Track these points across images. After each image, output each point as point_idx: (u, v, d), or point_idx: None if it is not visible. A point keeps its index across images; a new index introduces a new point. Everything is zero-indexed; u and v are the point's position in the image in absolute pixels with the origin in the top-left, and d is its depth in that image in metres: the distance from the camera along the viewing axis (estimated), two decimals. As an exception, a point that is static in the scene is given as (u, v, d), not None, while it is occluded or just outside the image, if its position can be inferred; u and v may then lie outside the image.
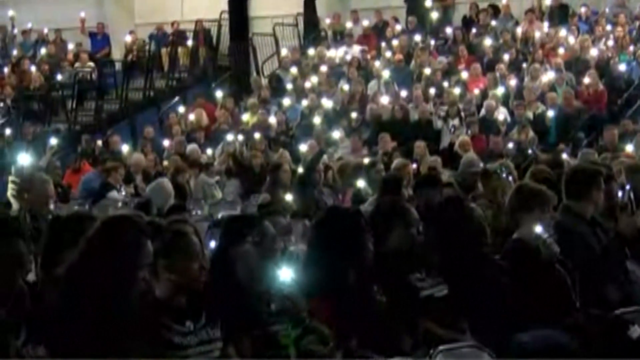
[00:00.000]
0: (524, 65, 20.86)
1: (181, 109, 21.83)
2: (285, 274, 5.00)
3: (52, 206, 7.31)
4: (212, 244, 5.92)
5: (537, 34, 21.67)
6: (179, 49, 24.84)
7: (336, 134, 17.01)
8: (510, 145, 16.72)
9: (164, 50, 24.94)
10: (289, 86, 22.18)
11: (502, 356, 5.47)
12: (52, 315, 4.39)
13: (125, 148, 18.65)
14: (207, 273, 5.12)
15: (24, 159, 5.04)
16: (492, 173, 10.07)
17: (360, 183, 12.15)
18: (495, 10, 23.61)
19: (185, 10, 26.05)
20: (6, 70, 24.48)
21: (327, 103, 20.20)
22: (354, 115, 19.77)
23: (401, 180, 10.04)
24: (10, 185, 5.01)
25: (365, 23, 24.29)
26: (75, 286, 4.47)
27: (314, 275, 5.65)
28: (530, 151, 16.15)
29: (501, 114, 18.50)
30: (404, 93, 20.46)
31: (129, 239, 4.52)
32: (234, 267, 5.32)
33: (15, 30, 26.04)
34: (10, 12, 25.58)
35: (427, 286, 6.30)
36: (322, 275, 5.59)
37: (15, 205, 5.03)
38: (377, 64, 22.18)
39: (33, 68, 24.06)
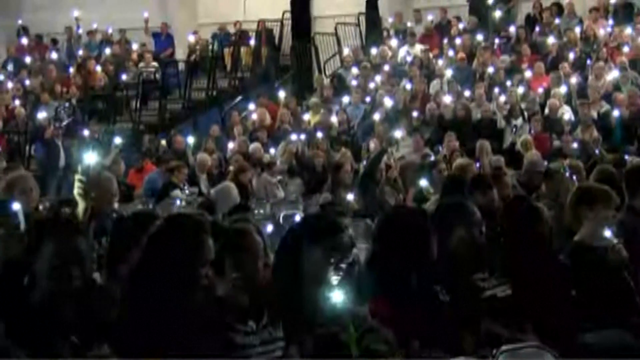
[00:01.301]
0: (588, 63, 20.65)
1: (244, 109, 21.91)
2: (338, 297, 4.96)
3: (116, 205, 7.39)
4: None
5: (602, 32, 21.45)
6: (242, 49, 24.93)
7: (398, 134, 16.97)
8: (575, 144, 16.56)
9: (226, 50, 25.06)
10: (351, 85, 22.19)
11: (566, 356, 5.43)
12: (116, 314, 4.44)
13: (189, 148, 18.79)
14: (271, 272, 5.14)
15: (90, 158, 5.07)
16: (555, 173, 10.00)
17: (423, 182, 12.12)
18: (559, 9, 23.39)
19: (248, 10, 26.15)
20: (72, 70, 24.77)
21: (388, 102, 20.17)
22: (415, 114, 19.72)
23: (464, 180, 9.99)
24: (76, 184, 5.05)
25: (428, 22, 24.22)
26: (138, 284, 4.51)
27: (377, 274, 5.63)
28: (595, 151, 15.98)
29: (566, 113, 18.33)
30: (466, 92, 20.37)
31: (190, 236, 4.55)
32: (302, 267, 5.30)
33: (81, 31, 26.32)
34: (76, 13, 25.86)
35: (490, 286, 6.27)
36: (385, 274, 5.58)
37: (81, 204, 5.08)
38: (439, 63, 22.10)
39: (98, 68, 24.32)
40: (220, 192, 11.48)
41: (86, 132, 20.58)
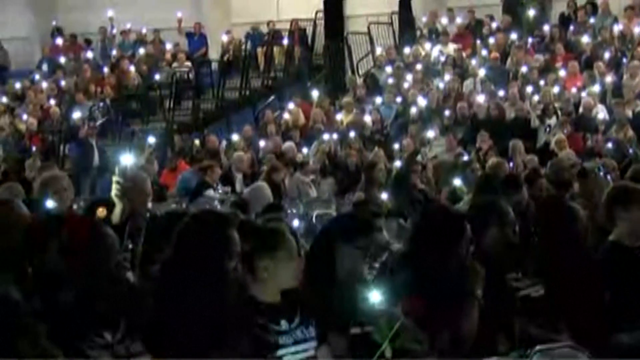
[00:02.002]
0: (624, 62, 20.51)
1: (277, 108, 21.94)
2: (376, 297, 4.95)
3: (149, 205, 7.42)
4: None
5: (637, 31, 21.30)
6: (275, 49, 24.96)
7: (431, 133, 16.95)
8: (609, 144, 16.46)
9: (259, 50, 25.10)
10: (384, 85, 22.17)
11: (600, 357, 5.40)
12: (149, 312, 4.46)
13: (222, 147, 18.85)
14: (304, 271, 5.14)
15: (127, 159, 5.10)
16: (589, 172, 9.94)
17: (456, 182, 12.10)
18: (593, 7, 23.25)
19: (281, 10, 26.18)
20: (106, 70, 24.90)
21: (422, 102, 20.14)
22: (448, 113, 19.68)
23: (497, 179, 9.95)
24: (114, 186, 5.08)
25: (461, 21, 24.14)
26: (169, 282, 4.54)
27: (411, 273, 5.63)
28: (630, 150, 15.88)
29: (600, 113, 18.22)
30: (500, 92, 20.29)
31: (215, 230, 4.61)
32: (336, 266, 5.29)
33: (115, 31, 26.45)
34: (110, 13, 25.99)
35: (524, 286, 6.25)
36: (420, 273, 5.56)
37: (118, 205, 5.11)
38: (472, 62, 22.03)
39: (132, 68, 24.43)
40: (253, 192, 11.47)
41: (120, 132, 20.71)
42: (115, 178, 5.15)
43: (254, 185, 12.39)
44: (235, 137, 19.49)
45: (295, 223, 9.07)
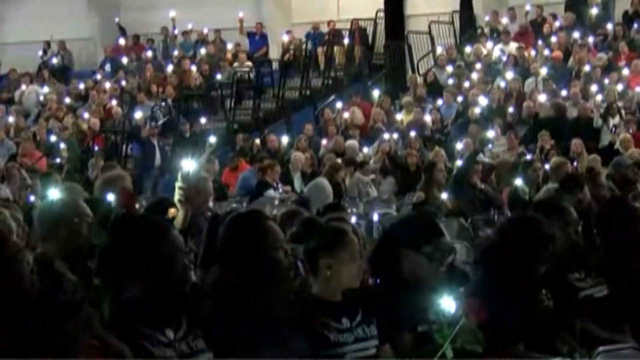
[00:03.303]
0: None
1: (337, 108, 21.94)
2: (448, 303, 4.93)
3: (210, 204, 7.48)
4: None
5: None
6: (335, 48, 24.97)
7: (491, 133, 16.86)
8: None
9: (320, 50, 25.11)
10: (445, 84, 22.09)
11: (665, 358, 5.34)
12: (210, 310, 4.49)
13: (282, 146, 18.91)
14: (367, 272, 5.14)
15: (189, 164, 5.13)
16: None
17: (518, 182, 12.01)
18: (658, 5, 22.98)
19: (342, 9, 26.19)
20: (168, 70, 25.09)
21: (483, 101, 20.04)
22: (510, 111, 19.57)
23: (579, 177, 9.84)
24: (177, 191, 5.12)
25: (523, 20, 23.98)
26: (227, 280, 4.59)
27: (482, 277, 5.61)
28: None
29: (665, 112, 18.03)
30: (563, 91, 20.13)
31: (255, 224, 4.68)
32: (401, 271, 5.27)
33: (177, 31, 26.64)
34: (172, 13, 26.17)
35: (587, 286, 6.20)
36: (492, 279, 5.53)
37: (181, 210, 5.16)
38: (534, 61, 21.86)
39: (193, 68, 24.59)
40: (314, 188, 11.52)
41: (181, 132, 20.86)
42: (178, 184, 5.18)
43: (314, 181, 12.43)
44: (284, 139, 19.55)
45: (353, 220, 9.06)
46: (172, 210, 5.59)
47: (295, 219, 6.88)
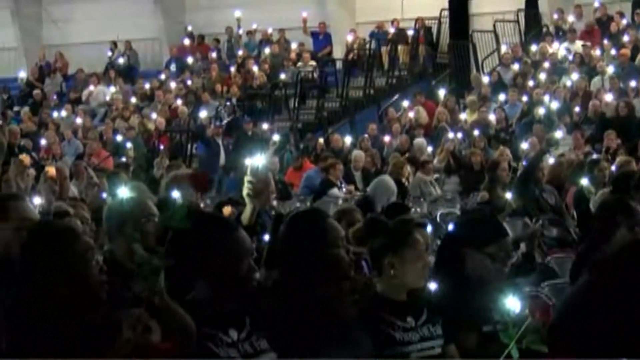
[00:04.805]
0: None
1: (401, 107, 21.92)
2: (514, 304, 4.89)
3: (274, 202, 7.51)
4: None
5: None
6: (399, 47, 24.94)
7: (558, 133, 16.70)
8: None
9: (384, 49, 25.08)
10: (509, 83, 21.96)
11: None
12: (273, 310, 4.51)
13: (346, 146, 18.93)
14: (433, 274, 5.13)
15: (259, 160, 5.15)
16: None
17: (584, 181, 11.89)
18: None
19: (406, 8, 26.12)
20: (232, 69, 25.23)
21: (548, 100, 19.88)
22: (576, 110, 19.39)
23: (631, 178, 9.72)
24: (246, 185, 5.13)
25: (589, 17, 23.74)
26: (287, 280, 4.61)
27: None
28: None
29: None
30: (631, 91, 19.89)
31: (316, 224, 4.67)
32: (465, 271, 5.25)
33: (241, 31, 26.78)
34: (237, 13, 26.30)
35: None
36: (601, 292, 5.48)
37: (249, 205, 5.16)
38: (600, 59, 21.64)
39: (257, 67, 24.70)
40: (378, 185, 11.46)
41: (245, 131, 20.96)
42: (247, 177, 5.19)
43: (378, 179, 12.37)
44: (348, 138, 19.59)
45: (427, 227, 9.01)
46: (226, 209, 5.60)
47: (345, 218, 6.85)
